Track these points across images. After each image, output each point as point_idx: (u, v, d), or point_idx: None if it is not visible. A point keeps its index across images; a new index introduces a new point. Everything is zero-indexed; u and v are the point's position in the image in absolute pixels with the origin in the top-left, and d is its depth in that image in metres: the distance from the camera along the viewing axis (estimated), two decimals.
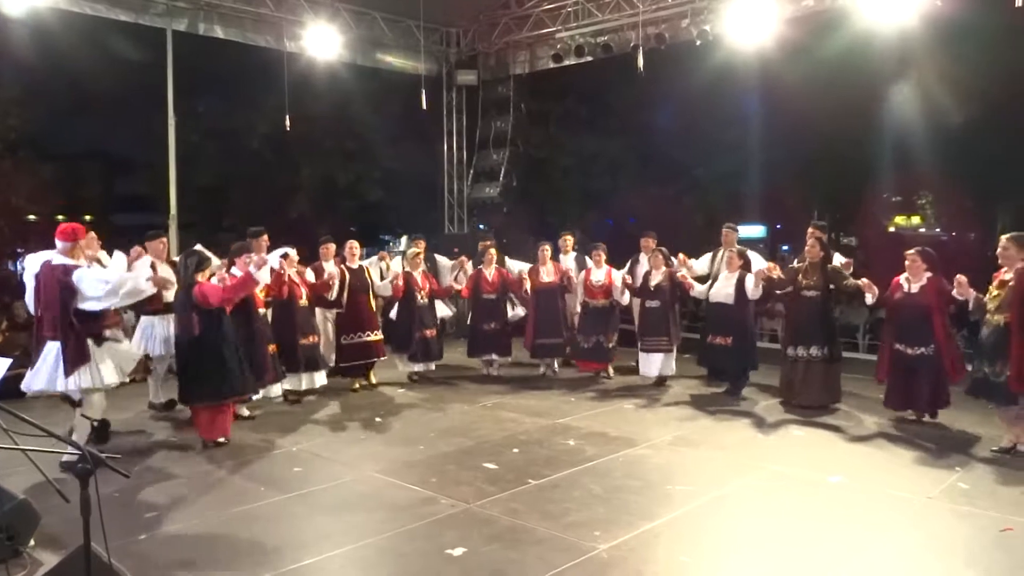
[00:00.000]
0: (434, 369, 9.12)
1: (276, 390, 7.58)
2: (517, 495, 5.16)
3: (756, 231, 29.04)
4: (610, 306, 8.90)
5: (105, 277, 5.79)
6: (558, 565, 4.09)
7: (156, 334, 7.28)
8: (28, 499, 4.26)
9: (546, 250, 9.24)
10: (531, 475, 5.53)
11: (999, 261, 6.11)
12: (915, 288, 6.66)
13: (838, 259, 7.74)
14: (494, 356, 9.30)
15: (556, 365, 9.46)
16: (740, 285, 7.83)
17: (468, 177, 14.30)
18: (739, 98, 20.74)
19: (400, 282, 8.52)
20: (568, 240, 9.82)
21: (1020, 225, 7.25)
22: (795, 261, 8.05)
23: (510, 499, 5.08)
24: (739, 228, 9.31)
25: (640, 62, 11.05)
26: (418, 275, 8.86)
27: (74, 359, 5.62)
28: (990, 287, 6.09)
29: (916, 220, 30.92)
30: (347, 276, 8.33)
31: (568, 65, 12.82)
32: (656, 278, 8.55)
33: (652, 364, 8.55)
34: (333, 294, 8.13)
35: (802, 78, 17.59)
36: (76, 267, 5.66)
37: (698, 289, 8.25)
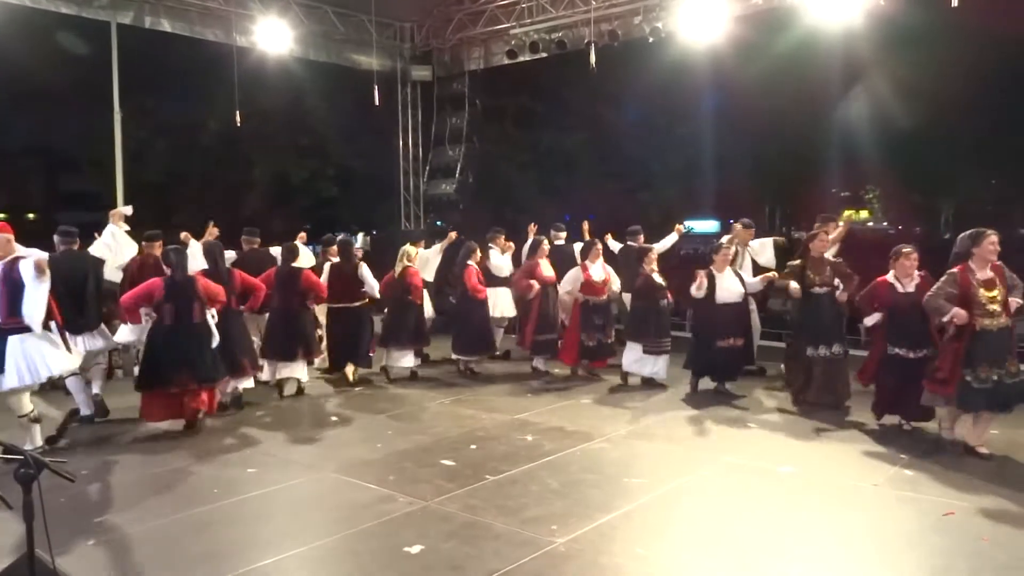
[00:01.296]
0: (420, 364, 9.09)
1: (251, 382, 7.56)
2: (475, 491, 5.16)
3: (710, 226, 29.53)
4: (609, 302, 8.78)
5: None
6: (516, 560, 4.11)
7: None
8: None
9: (546, 245, 9.19)
10: (489, 471, 5.55)
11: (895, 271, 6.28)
12: (911, 287, 6.20)
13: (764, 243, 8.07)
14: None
15: (542, 363, 9.17)
16: (742, 281, 7.82)
17: (424, 173, 14.25)
18: (692, 95, 21.05)
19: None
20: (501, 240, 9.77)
21: (962, 218, 7.48)
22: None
23: (468, 495, 5.08)
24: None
25: (592, 59, 11.15)
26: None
27: None
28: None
29: (864, 214, 31.73)
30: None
31: (523, 61, 12.85)
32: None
33: (650, 365, 8.16)
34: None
35: (753, 75, 17.92)
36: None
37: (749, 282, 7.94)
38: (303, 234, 8.64)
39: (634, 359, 8.21)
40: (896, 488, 5.14)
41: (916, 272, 6.25)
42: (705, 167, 23.99)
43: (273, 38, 11.33)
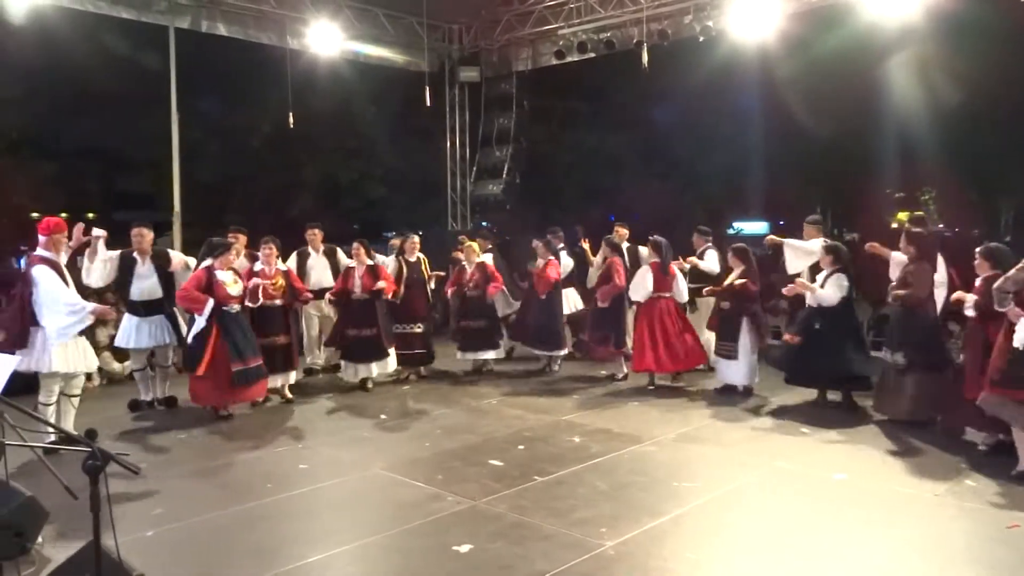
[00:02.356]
0: (493, 358, 9.27)
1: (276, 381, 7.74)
2: (523, 492, 5.16)
3: (758, 227, 29.05)
4: None
5: (57, 294, 5.94)
6: (565, 562, 4.09)
7: (129, 332, 7.26)
8: (35, 496, 4.27)
9: (606, 247, 8.94)
10: (537, 472, 5.54)
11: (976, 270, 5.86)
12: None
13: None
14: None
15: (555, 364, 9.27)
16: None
17: (471, 174, 14.30)
18: (741, 93, 20.74)
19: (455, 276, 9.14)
20: (621, 232, 9.57)
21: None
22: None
23: (516, 496, 5.08)
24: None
25: (644, 59, 11.06)
26: (469, 268, 9.04)
27: (15, 343, 5.89)
28: None
29: (907, 215, 30.87)
30: (404, 269, 8.64)
31: (570, 62, 12.82)
32: (730, 279, 7.84)
33: (725, 370, 7.89)
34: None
35: (805, 73, 17.60)
36: (43, 259, 6.04)
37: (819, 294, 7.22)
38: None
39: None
40: (957, 498, 4.99)
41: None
42: (754, 167, 23.61)
43: (325, 41, 11.49)
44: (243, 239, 8.22)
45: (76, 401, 6.32)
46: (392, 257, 9.00)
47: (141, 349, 7.32)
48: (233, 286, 7.04)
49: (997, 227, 26.11)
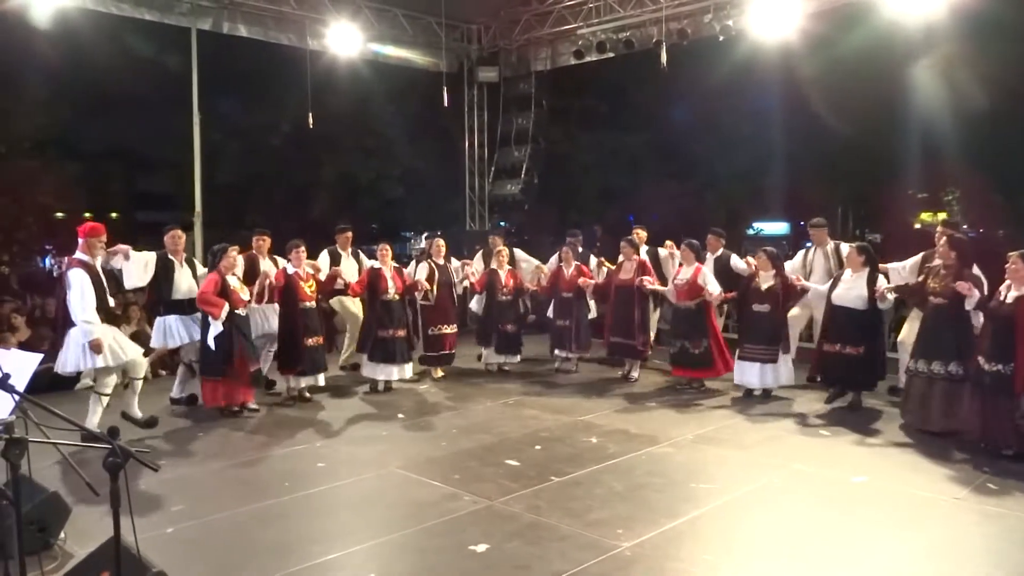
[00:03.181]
0: (517, 362, 9.35)
1: (321, 380, 7.94)
2: (539, 492, 5.16)
3: (779, 228, 28.83)
4: (696, 308, 8.07)
5: (78, 306, 6.18)
6: (581, 562, 4.09)
7: (173, 330, 7.39)
8: (58, 492, 4.33)
9: (629, 247, 8.82)
10: (553, 472, 5.53)
11: (1006, 277, 5.76)
12: (1011, 297, 5.75)
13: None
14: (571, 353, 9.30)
15: (633, 368, 8.92)
16: (872, 287, 6.97)
17: (489, 174, 14.31)
18: (762, 93, 20.59)
19: (482, 279, 9.17)
20: (640, 235, 9.47)
21: None
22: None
23: (532, 496, 5.08)
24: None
25: (663, 58, 11.01)
26: (503, 273, 9.15)
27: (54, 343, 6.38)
28: None
29: (942, 216, 30.52)
30: (435, 271, 8.72)
31: (589, 61, 12.79)
32: (766, 281, 7.65)
33: (749, 373, 7.74)
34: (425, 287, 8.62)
35: (826, 73, 17.45)
36: (80, 263, 6.25)
37: (819, 291, 7.51)
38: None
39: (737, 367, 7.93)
40: (979, 502, 4.93)
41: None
42: (774, 167, 23.42)
43: (345, 41, 11.54)
44: (267, 241, 8.28)
45: (138, 385, 6.68)
46: (422, 260, 9.13)
47: (185, 345, 7.49)
48: (242, 291, 7.17)
49: (1022, 227, 25.75)
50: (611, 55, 12.27)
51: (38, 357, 3.63)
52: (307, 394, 7.84)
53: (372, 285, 8.09)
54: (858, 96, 18.71)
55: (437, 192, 20.39)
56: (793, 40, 10.55)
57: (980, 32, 15.46)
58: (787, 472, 5.54)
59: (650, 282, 8.41)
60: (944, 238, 6.65)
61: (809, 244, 8.83)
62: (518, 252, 10.20)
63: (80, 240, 6.34)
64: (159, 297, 7.39)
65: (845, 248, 7.99)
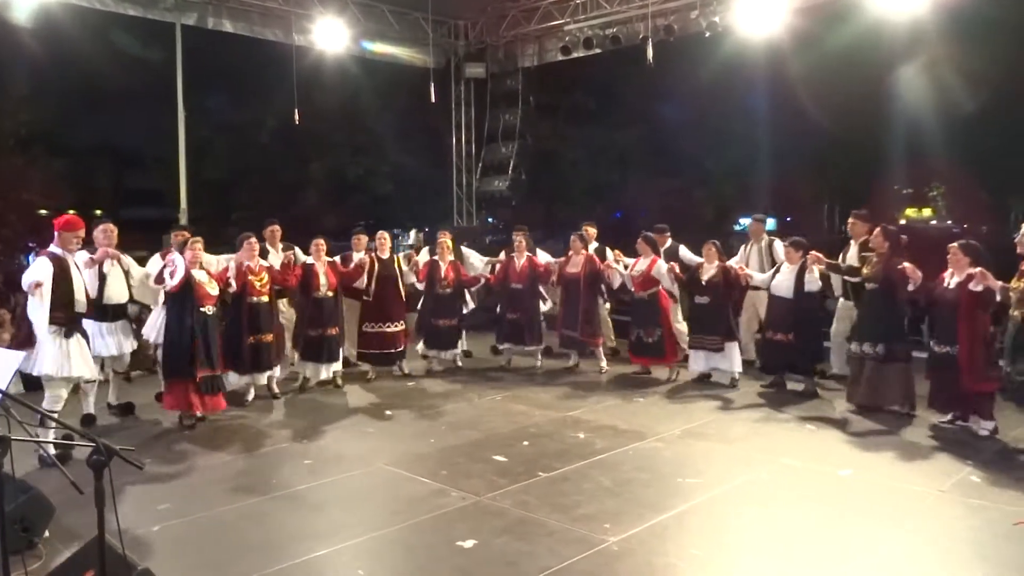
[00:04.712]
0: (450, 358, 9.06)
1: (261, 379, 7.55)
2: (527, 488, 5.16)
3: (767, 223, 28.91)
4: (649, 299, 8.37)
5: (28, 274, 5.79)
6: (569, 557, 4.10)
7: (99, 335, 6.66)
8: (42, 491, 4.30)
9: (577, 240, 8.95)
10: (541, 468, 5.54)
11: (1019, 251, 5.97)
12: (954, 283, 6.22)
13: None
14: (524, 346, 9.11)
15: (575, 358, 9.15)
16: (800, 277, 7.44)
17: (477, 170, 14.29)
18: (749, 90, 20.67)
19: (423, 269, 8.79)
20: (590, 231, 9.54)
21: None
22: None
23: (520, 492, 5.09)
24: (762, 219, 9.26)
25: (649, 54, 11.03)
26: (444, 265, 8.82)
27: (21, 343, 5.69)
28: (1014, 280, 5.91)
29: (927, 212, 30.76)
30: (376, 265, 8.40)
31: (576, 58, 12.79)
32: (708, 272, 8.04)
33: (697, 361, 8.18)
34: (363, 283, 8.26)
35: (812, 69, 17.52)
36: (50, 255, 5.81)
37: (758, 279, 7.96)
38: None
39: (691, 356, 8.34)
40: (963, 495, 4.97)
41: (968, 269, 6.11)
42: (762, 163, 23.53)
43: (331, 37, 11.49)
44: (277, 230, 8.26)
45: (90, 388, 6.39)
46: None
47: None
48: (209, 285, 6.66)
49: (1006, 224, 25.99)
50: (598, 51, 12.27)
51: (21, 355, 3.60)
52: (248, 397, 7.45)
53: (305, 281, 7.75)
54: (844, 92, 18.80)
55: (425, 188, 20.38)
56: (779, 36, 10.60)
57: (965, 29, 15.56)
58: (774, 466, 5.57)
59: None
60: (878, 229, 7.07)
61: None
62: (469, 252, 9.93)
63: (55, 234, 5.92)
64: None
65: (778, 244, 8.51)
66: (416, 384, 8.49)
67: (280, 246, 8.32)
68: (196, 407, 6.57)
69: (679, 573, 4.01)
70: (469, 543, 4.29)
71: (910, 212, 30.39)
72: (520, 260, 8.97)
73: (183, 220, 10.44)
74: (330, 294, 7.90)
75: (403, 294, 8.67)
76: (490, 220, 14.94)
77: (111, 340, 6.62)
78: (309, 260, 7.99)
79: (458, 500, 4.95)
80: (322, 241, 8.00)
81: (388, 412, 7.28)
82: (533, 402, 7.59)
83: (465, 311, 9.34)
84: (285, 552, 4.20)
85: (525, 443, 6.20)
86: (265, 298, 7.42)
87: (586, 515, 4.67)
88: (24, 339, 5.75)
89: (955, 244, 6.32)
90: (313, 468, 5.64)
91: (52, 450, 4.55)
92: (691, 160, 24.36)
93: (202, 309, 6.54)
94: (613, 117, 23.17)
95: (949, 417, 6.47)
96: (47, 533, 4.26)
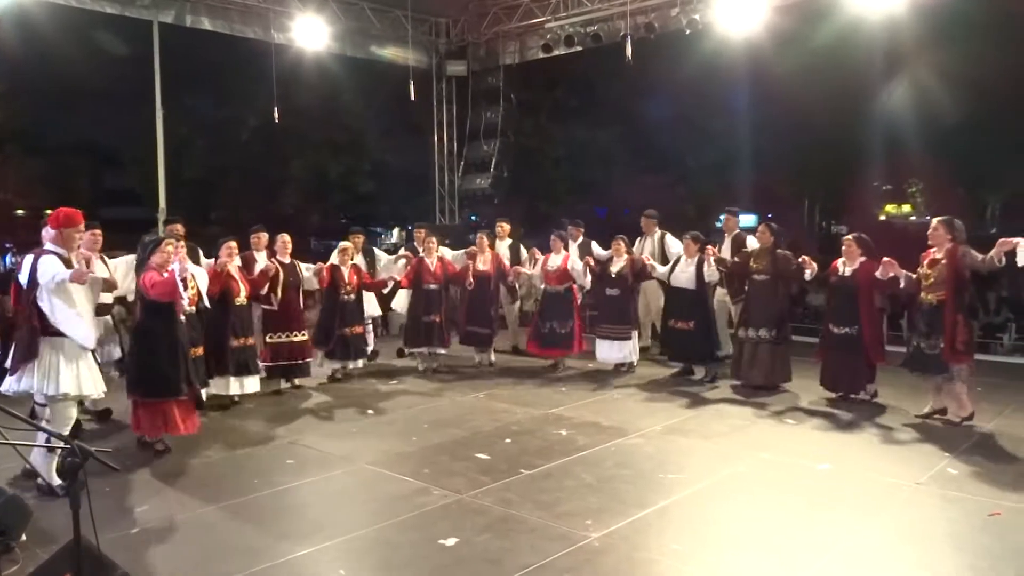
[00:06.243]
0: (361, 367, 8.68)
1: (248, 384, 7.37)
2: (510, 485, 5.17)
3: (747, 220, 29.10)
4: (564, 292, 8.77)
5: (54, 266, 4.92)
6: (550, 554, 4.11)
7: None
8: (19, 494, 4.26)
9: (483, 238, 9.20)
10: (523, 465, 5.55)
11: (929, 242, 6.51)
12: (848, 271, 7.05)
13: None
14: (437, 349, 8.90)
15: (492, 355, 9.30)
16: (699, 269, 8.06)
17: (459, 168, 14.28)
18: (730, 87, 20.74)
19: (326, 274, 8.16)
20: (504, 227, 9.99)
21: (1009, 212, 7.38)
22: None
23: (503, 489, 5.09)
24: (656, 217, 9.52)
25: (628, 51, 11.07)
26: (346, 270, 8.32)
27: (21, 355, 4.96)
28: (919, 268, 6.53)
29: (907, 208, 31.07)
30: (280, 272, 7.64)
31: (558, 55, 12.81)
32: (617, 265, 8.59)
33: (609, 350, 8.67)
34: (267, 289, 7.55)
35: (792, 67, 17.61)
36: (50, 252, 5.00)
37: (660, 271, 8.47)
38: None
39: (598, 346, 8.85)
40: (940, 487, 5.03)
41: (859, 259, 6.97)
42: (742, 161, 23.65)
43: (311, 35, 11.43)
44: (264, 236, 8.00)
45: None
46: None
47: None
48: (189, 292, 6.22)
49: (983, 219, 26.32)
50: (579, 49, 12.30)
51: None
52: (236, 398, 7.29)
53: (224, 290, 7.05)
54: (824, 90, 18.93)
55: (407, 187, 20.33)
56: (759, 34, 10.66)
57: (943, 26, 15.71)
58: (754, 461, 5.62)
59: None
60: (762, 224, 7.97)
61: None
62: (381, 253, 9.83)
63: (51, 230, 5.12)
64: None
65: (670, 238, 9.15)
66: (398, 383, 8.48)
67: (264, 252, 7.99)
68: (173, 429, 5.80)
69: (660, 568, 4.04)
70: (451, 541, 4.30)
71: (890, 208, 30.68)
72: (432, 260, 8.77)
73: (162, 219, 10.35)
74: (245, 302, 7.24)
75: (302, 302, 8.15)
76: (473, 218, 14.91)
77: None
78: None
79: (440, 498, 4.95)
80: (234, 244, 7.25)
81: (370, 412, 7.27)
82: (515, 400, 7.60)
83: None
84: (267, 552, 4.18)
85: (507, 441, 6.21)
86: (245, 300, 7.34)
87: (568, 512, 4.69)
88: (26, 351, 4.97)
89: (849, 237, 7.19)
90: (295, 468, 5.62)
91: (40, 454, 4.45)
92: (673, 157, 24.45)
93: (181, 319, 5.99)
94: (595, 114, 23.21)
95: (837, 395, 7.23)
96: (24, 537, 4.21)
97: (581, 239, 9.61)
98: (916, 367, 6.53)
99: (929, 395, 6.68)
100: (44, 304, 4.92)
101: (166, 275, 5.57)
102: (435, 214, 14.41)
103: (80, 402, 5.89)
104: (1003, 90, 17.43)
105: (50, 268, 4.87)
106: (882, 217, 28.73)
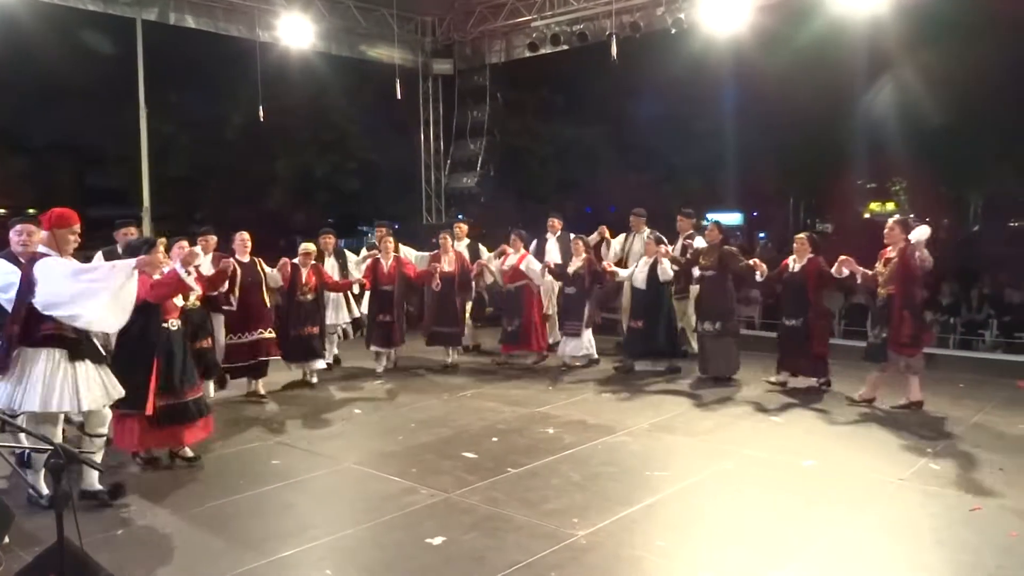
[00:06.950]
0: (318, 368, 8.31)
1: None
2: (496, 484, 5.18)
3: (732, 218, 29.24)
4: (515, 291, 9.05)
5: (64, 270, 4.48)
6: (537, 552, 4.12)
7: None
8: (1, 497, 4.22)
9: (446, 238, 9.25)
10: (510, 464, 5.56)
11: (885, 240, 6.87)
12: (797, 267, 7.49)
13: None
14: (389, 349, 8.94)
15: (454, 354, 9.31)
16: (653, 270, 8.36)
17: (445, 167, 14.26)
18: (715, 86, 20.82)
19: (287, 271, 7.94)
20: (462, 228, 10.16)
21: (991, 211, 7.52)
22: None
23: (489, 488, 5.10)
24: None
25: (613, 50, 11.08)
26: (305, 270, 8.08)
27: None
28: (876, 264, 6.90)
29: (890, 206, 31.31)
30: (238, 271, 7.33)
31: (544, 54, 12.81)
32: (574, 265, 8.86)
33: (570, 346, 8.97)
34: (225, 288, 6.98)
35: (777, 66, 17.69)
36: (46, 256, 4.57)
37: (622, 275, 8.75)
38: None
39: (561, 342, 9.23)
40: (922, 482, 5.09)
41: (808, 255, 7.40)
42: (728, 159, 23.77)
43: (296, 33, 11.38)
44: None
45: (100, 442, 4.85)
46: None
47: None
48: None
49: (966, 217, 26.57)
50: (565, 48, 12.31)
51: None
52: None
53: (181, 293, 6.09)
54: (808, 89, 19.04)
55: (394, 185, 20.28)
56: (744, 33, 10.70)
57: (926, 26, 15.82)
58: (739, 458, 5.65)
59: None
60: (712, 224, 8.37)
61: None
62: (351, 254, 9.61)
63: (43, 232, 4.68)
64: None
65: (658, 236, 9.10)
66: (384, 383, 8.47)
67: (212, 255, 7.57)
68: (156, 443, 5.55)
69: (646, 565, 4.06)
70: (438, 540, 4.30)
71: (874, 206, 30.90)
72: (388, 261, 8.76)
73: (146, 219, 10.29)
74: (196, 304, 6.37)
75: (267, 300, 7.78)
76: (459, 217, 14.89)
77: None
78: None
79: (427, 497, 4.95)
80: (184, 243, 6.19)
81: (357, 411, 7.26)
82: (502, 398, 7.60)
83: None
84: (253, 553, 4.17)
85: (494, 439, 6.22)
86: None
87: (555, 510, 4.70)
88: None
89: (802, 235, 7.63)
90: (281, 468, 5.60)
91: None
92: (659, 156, 24.53)
93: (164, 325, 5.45)
94: (581, 113, 23.24)
95: (784, 377, 7.75)
96: (7, 539, 4.17)
97: (560, 232, 9.80)
98: (867, 356, 7.00)
99: (898, 387, 6.93)
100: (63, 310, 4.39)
101: (159, 276, 5.28)
102: (421, 213, 14.38)
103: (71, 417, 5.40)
104: (985, 90, 17.60)
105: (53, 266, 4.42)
106: (867, 215, 28.91)
